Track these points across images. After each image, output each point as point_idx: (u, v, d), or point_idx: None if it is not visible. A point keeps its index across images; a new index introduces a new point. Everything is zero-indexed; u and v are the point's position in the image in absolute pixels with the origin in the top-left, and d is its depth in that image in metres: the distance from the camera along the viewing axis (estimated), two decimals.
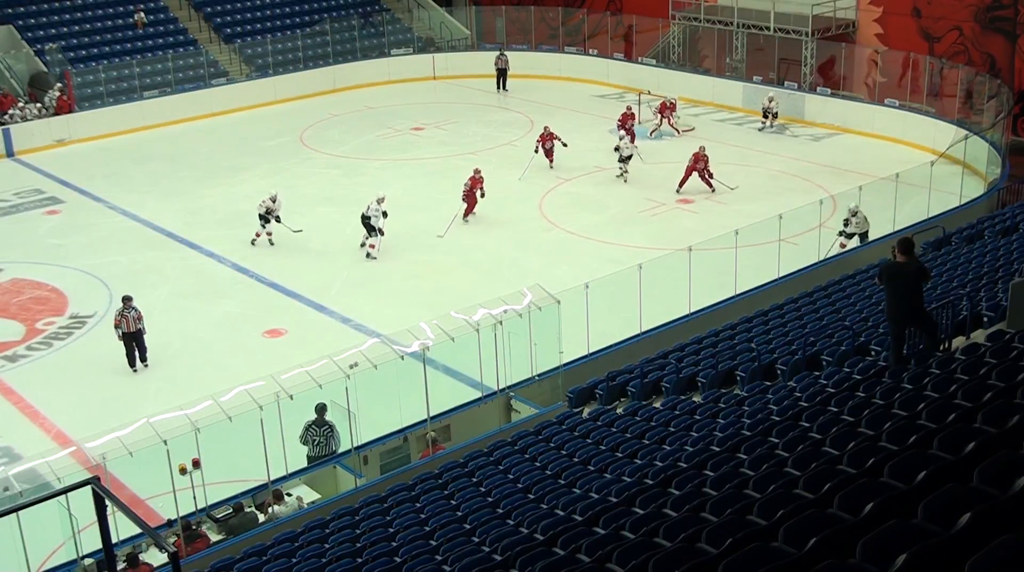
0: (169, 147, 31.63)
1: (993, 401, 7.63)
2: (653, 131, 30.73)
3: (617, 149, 27.07)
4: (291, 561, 10.87)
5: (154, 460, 12.64)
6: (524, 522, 10.03)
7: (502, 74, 36.97)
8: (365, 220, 22.56)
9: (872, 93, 31.99)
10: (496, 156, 29.33)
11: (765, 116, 30.99)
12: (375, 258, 22.50)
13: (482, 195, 24.50)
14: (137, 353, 18.20)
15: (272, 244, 23.54)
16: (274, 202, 23.43)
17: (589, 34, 39.20)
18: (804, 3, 32.75)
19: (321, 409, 14.54)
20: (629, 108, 30.12)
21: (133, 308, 18.06)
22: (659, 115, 31.05)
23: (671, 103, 31.11)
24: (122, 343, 18.16)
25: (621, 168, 26.89)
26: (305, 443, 14.69)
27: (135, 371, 18.16)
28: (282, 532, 12.19)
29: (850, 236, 21.14)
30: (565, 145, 28.00)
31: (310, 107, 35.61)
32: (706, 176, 25.69)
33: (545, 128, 28.39)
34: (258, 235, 23.57)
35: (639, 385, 14.91)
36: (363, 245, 22.84)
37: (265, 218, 23.42)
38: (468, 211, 24.44)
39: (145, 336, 18.23)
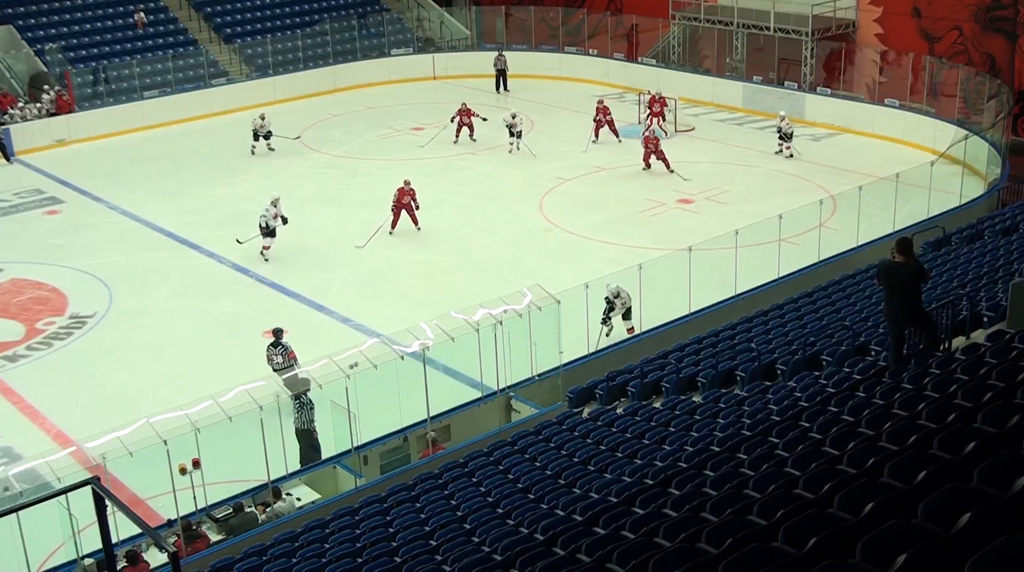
0: (169, 147, 31.62)
1: (993, 401, 7.63)
2: (645, 132, 30.65)
3: (509, 125, 28.85)
4: (291, 561, 10.87)
5: (154, 460, 12.64)
6: (524, 522, 10.03)
7: (501, 74, 36.92)
8: (261, 221, 22.48)
9: (872, 93, 31.99)
10: (496, 156, 29.33)
11: (782, 138, 28.55)
12: (268, 260, 22.39)
13: (416, 207, 23.78)
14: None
15: (272, 150, 29.68)
16: (263, 119, 29.55)
17: (589, 34, 39.19)
18: (804, 3, 32.75)
19: (278, 333, 15.28)
20: (601, 101, 30.21)
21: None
22: (648, 110, 30.80)
23: (661, 97, 30.87)
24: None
25: (511, 142, 29.07)
26: (269, 362, 15.96)
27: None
28: (282, 532, 12.20)
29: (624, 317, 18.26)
30: (484, 119, 30.53)
31: (310, 107, 35.61)
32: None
33: (463, 104, 30.21)
34: (254, 147, 29.57)
35: (639, 385, 14.91)
36: (263, 252, 22.65)
37: (256, 135, 29.04)
38: (393, 223, 23.61)
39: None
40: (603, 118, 29.87)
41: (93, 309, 20.65)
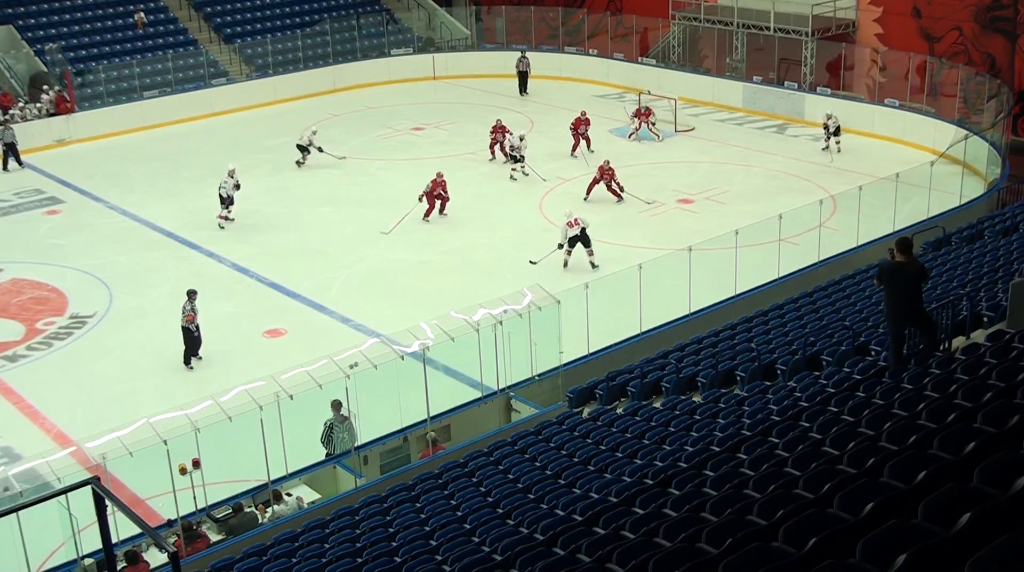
0: (169, 147, 31.62)
1: (993, 401, 7.63)
2: (631, 134, 30.64)
3: (513, 148, 27.47)
4: (291, 561, 10.87)
5: (154, 460, 12.64)
6: (524, 522, 10.03)
7: (523, 76, 36.29)
8: (221, 192, 24.40)
9: (872, 93, 31.99)
10: (496, 156, 29.31)
11: (829, 135, 28.53)
12: (223, 228, 24.35)
13: (446, 198, 24.76)
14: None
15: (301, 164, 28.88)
16: (314, 134, 29.17)
17: (589, 34, 39.20)
18: (804, 3, 32.75)
19: (338, 405, 14.51)
20: (584, 113, 29.47)
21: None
22: (636, 119, 30.77)
23: (647, 110, 30.78)
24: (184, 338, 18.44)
25: (514, 169, 27.34)
26: (329, 443, 14.64)
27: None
28: (282, 532, 12.20)
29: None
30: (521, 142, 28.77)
31: (310, 107, 35.60)
32: (614, 187, 25.32)
33: (497, 121, 29.34)
34: (303, 160, 28.98)
35: (639, 385, 14.91)
36: (228, 218, 24.70)
37: (304, 148, 28.86)
38: (428, 212, 24.52)
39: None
40: (584, 130, 29.02)
41: (93, 309, 20.65)
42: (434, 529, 10.73)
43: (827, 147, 28.55)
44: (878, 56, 32.59)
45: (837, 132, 28.52)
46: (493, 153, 29.09)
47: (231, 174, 24.42)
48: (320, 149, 28.96)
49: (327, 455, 14.75)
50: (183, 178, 28.60)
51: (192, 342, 18.36)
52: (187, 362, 18.34)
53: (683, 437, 11.82)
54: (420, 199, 24.35)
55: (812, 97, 31.92)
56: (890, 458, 6.77)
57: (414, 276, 21.82)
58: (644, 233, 23.39)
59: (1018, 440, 6.44)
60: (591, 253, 21.52)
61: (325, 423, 14.64)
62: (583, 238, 21.53)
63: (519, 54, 36.76)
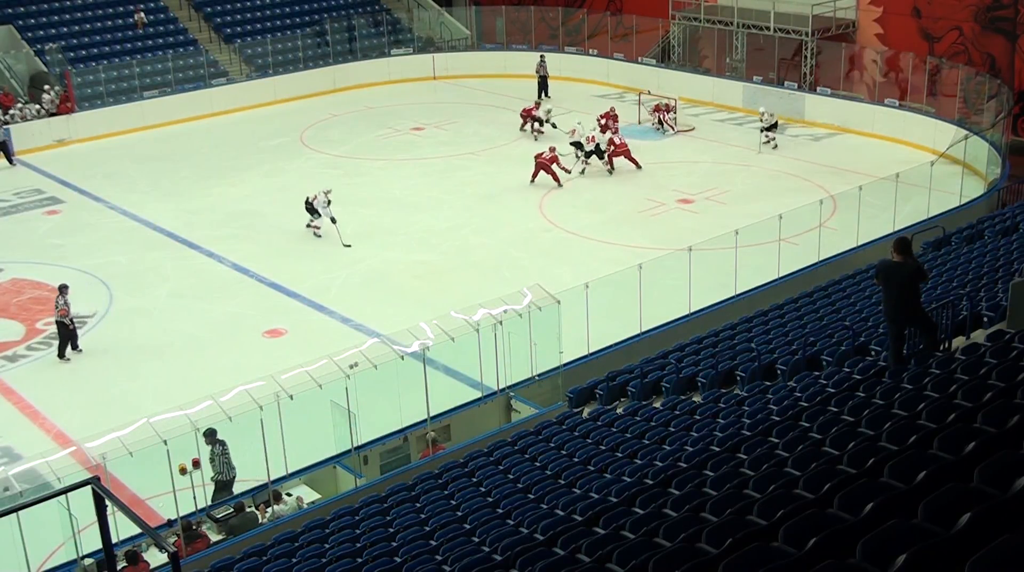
0: (169, 147, 31.63)
1: (993, 401, 7.63)
2: (656, 126, 30.81)
3: (582, 139, 27.72)
4: (291, 561, 10.87)
5: (154, 460, 12.64)
6: (524, 522, 10.03)
7: (543, 81, 35.88)
8: (309, 205, 23.75)
9: (872, 93, 31.98)
10: (497, 156, 29.33)
11: (767, 130, 29.19)
12: (320, 237, 23.74)
13: (562, 168, 26.51)
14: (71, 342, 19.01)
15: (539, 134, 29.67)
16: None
17: (589, 34, 39.18)
18: (804, 3, 32.75)
19: (211, 433, 13.95)
20: (612, 109, 30.05)
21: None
22: (656, 114, 31.12)
23: (667, 105, 31.13)
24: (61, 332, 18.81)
25: (584, 163, 27.51)
26: (224, 471, 14.20)
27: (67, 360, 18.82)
28: (282, 532, 12.20)
29: None
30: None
31: (310, 107, 35.61)
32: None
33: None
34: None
35: (639, 385, 14.91)
36: (309, 226, 23.96)
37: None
38: (533, 176, 26.47)
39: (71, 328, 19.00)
40: (613, 125, 29.49)
41: (93, 309, 20.64)
42: (434, 529, 10.73)
43: (768, 141, 28.99)
44: (878, 56, 32.58)
45: (773, 127, 29.05)
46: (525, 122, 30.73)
47: (326, 193, 23.59)
48: (554, 124, 30.37)
49: (221, 484, 14.16)
50: (183, 178, 28.61)
51: (67, 335, 18.71)
52: (61, 355, 18.70)
53: (683, 437, 11.82)
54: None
55: (812, 97, 31.93)
56: (890, 458, 6.77)
57: (414, 276, 21.82)
58: (644, 233, 23.38)
59: (1018, 440, 6.44)
60: (605, 162, 27.00)
61: (210, 459, 14.07)
62: (597, 151, 26.64)
63: (539, 58, 36.13)
